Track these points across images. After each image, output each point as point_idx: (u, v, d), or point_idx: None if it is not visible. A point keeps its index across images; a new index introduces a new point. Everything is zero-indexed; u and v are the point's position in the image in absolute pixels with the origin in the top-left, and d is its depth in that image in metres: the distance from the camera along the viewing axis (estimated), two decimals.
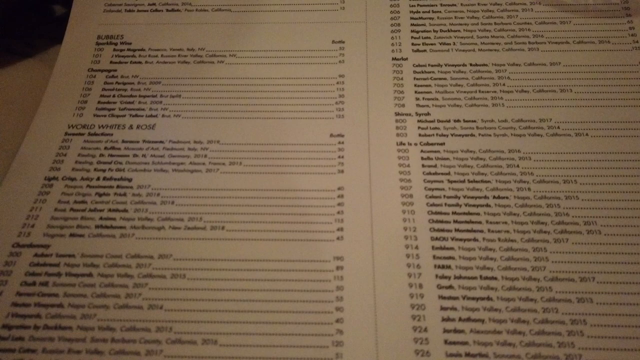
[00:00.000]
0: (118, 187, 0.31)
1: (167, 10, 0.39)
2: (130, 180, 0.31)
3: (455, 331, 0.25)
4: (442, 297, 0.26)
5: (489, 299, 0.26)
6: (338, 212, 0.29)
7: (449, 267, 0.27)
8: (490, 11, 0.38)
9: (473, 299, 0.26)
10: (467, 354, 0.24)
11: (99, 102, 0.35)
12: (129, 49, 0.37)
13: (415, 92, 0.35)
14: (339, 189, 0.30)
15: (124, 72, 0.36)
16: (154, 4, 0.39)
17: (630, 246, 0.27)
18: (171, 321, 0.25)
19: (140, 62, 0.37)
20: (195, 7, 0.39)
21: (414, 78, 0.35)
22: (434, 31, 0.37)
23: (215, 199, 0.30)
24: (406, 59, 0.36)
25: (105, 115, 0.34)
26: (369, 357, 0.24)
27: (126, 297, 0.26)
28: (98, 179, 0.31)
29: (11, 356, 0.24)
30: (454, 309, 0.26)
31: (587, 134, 0.32)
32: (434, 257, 0.27)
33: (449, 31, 0.37)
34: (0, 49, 0.39)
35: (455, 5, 0.38)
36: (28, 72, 0.38)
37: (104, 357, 0.24)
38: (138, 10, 0.39)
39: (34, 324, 0.25)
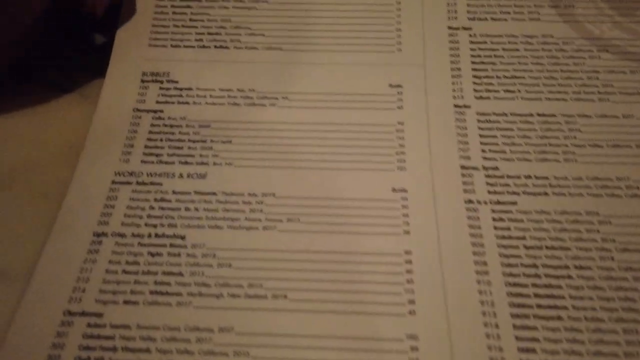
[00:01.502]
0: (171, 245, 0.29)
1: (215, 47, 0.37)
2: (183, 238, 0.29)
3: None
4: None
5: None
6: (407, 281, 0.28)
7: (533, 350, 0.25)
8: (555, 57, 0.36)
9: None
10: None
11: (145, 147, 0.33)
12: (175, 88, 0.35)
13: (481, 142, 0.33)
14: (406, 252, 0.28)
15: (171, 114, 0.34)
16: (201, 40, 0.37)
17: None
18: None
19: (187, 103, 0.35)
20: (244, 44, 0.37)
21: (479, 128, 0.33)
22: (497, 77, 0.35)
23: (275, 262, 0.28)
24: (469, 106, 0.34)
25: (153, 162, 0.32)
26: None
27: None
28: (150, 235, 0.29)
29: None
30: None
31: None
32: (517, 338, 0.26)
33: (512, 77, 0.35)
34: (39, 82, 0.37)
35: (518, 50, 0.36)
36: (69, 109, 0.36)
37: None
38: (184, 46, 0.37)
39: None
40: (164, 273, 0.28)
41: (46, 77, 0.38)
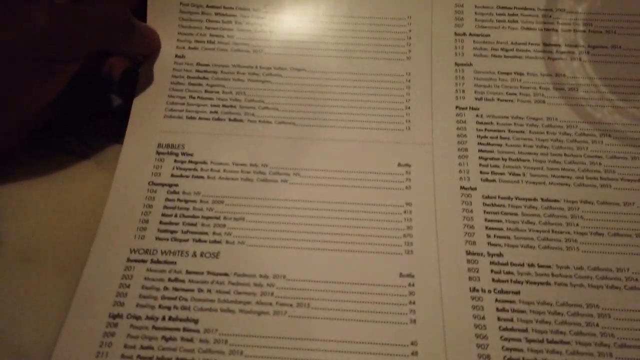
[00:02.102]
0: (184, 329, 0.30)
1: (230, 119, 0.38)
2: (196, 322, 0.30)
3: None
4: None
5: None
6: None
7: None
8: (559, 141, 0.37)
9: None
10: None
11: (160, 222, 0.34)
12: (190, 161, 0.37)
13: (486, 227, 0.34)
14: (412, 343, 0.30)
15: (186, 188, 0.35)
16: (215, 112, 0.38)
17: None
18: None
19: (202, 177, 0.36)
20: (258, 118, 0.38)
21: (484, 212, 0.34)
22: (503, 159, 0.36)
23: (286, 351, 0.29)
24: (475, 188, 0.35)
25: (167, 239, 0.33)
26: None
27: None
28: (164, 318, 0.30)
29: None
30: None
31: None
32: None
33: (518, 160, 0.36)
34: (56, 149, 0.38)
35: (523, 132, 0.37)
36: (86, 177, 0.37)
37: None
38: (200, 118, 0.38)
39: None
40: (178, 359, 0.29)
41: (63, 143, 0.39)
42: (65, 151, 0.39)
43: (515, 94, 0.39)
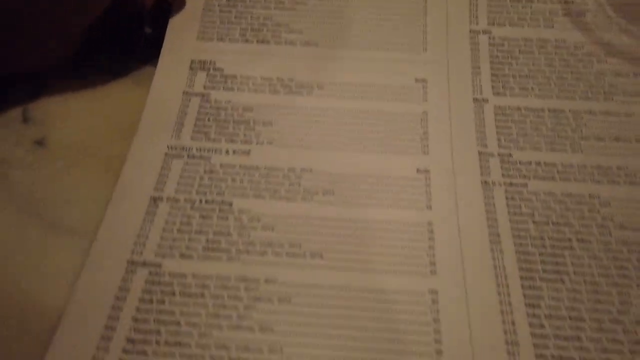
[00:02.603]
0: (220, 210, 0.33)
1: (258, 41, 0.41)
2: (230, 204, 0.33)
3: None
4: (534, 335, 0.28)
5: (578, 339, 0.28)
6: (429, 247, 0.31)
7: (538, 306, 0.29)
8: (566, 60, 0.40)
9: (563, 338, 0.28)
10: None
11: (195, 125, 0.37)
12: (221, 75, 0.40)
13: (497, 133, 0.37)
14: (428, 223, 0.32)
15: (218, 98, 0.38)
16: (244, 35, 0.41)
17: None
18: (282, 344, 0.27)
19: (232, 89, 0.39)
20: (284, 39, 0.41)
21: (495, 120, 0.37)
22: (513, 76, 0.39)
23: (312, 227, 0.32)
24: (487, 100, 0.38)
25: (201, 139, 0.36)
26: None
27: (238, 318, 0.28)
28: (200, 201, 0.33)
29: None
30: (545, 347, 0.27)
31: None
32: (524, 295, 0.29)
33: (527, 77, 0.39)
34: (96, 71, 0.41)
35: (532, 53, 0.40)
36: (124, 93, 0.40)
37: None
38: (230, 40, 0.41)
39: (155, 339, 0.27)
40: (215, 233, 0.32)
41: (102, 65, 0.42)
42: (105, 71, 0.42)
43: (525, 19, 0.41)
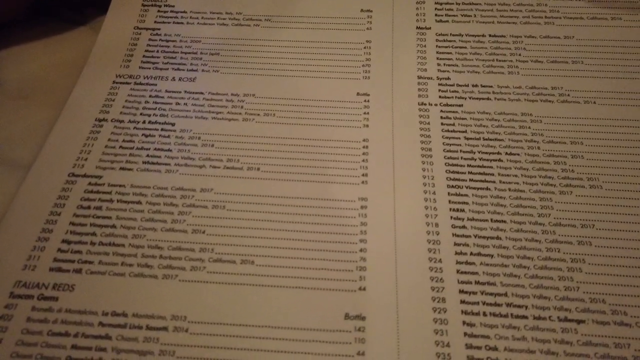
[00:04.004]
0: (162, 129, 0.34)
1: None
2: (173, 124, 0.34)
3: (467, 263, 0.28)
4: (455, 235, 0.29)
5: (498, 238, 0.29)
6: (363, 160, 0.32)
7: (462, 210, 0.30)
8: None
9: (484, 237, 0.29)
10: (477, 282, 0.27)
11: (144, 57, 0.38)
12: (172, 11, 0.40)
13: (437, 58, 0.38)
14: (364, 140, 0.33)
15: (167, 31, 0.39)
16: None
17: (628, 200, 0.30)
18: (213, 244, 0.28)
19: (182, 23, 0.40)
20: None
21: (436, 46, 0.38)
22: (457, 3, 0.40)
23: (251, 144, 0.33)
24: (429, 28, 0.39)
25: (149, 68, 0.37)
26: (388, 274, 0.27)
27: (172, 222, 0.29)
28: (144, 122, 0.34)
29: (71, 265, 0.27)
30: (466, 245, 0.29)
31: (594, 102, 0.35)
32: (450, 201, 0.30)
33: (470, 4, 0.40)
34: (53, 18, 0.42)
35: None
36: (80, 38, 0.41)
37: (153, 270, 0.27)
38: None
39: (90, 240, 0.28)
40: (156, 149, 0.33)
41: (61, 14, 0.42)
42: (64, 20, 0.42)
43: None
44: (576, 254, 0.28)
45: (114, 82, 0.36)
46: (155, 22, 0.40)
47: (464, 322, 0.26)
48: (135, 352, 0.25)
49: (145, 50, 0.38)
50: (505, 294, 0.27)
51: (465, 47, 0.38)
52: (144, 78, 0.37)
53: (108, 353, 0.25)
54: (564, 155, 0.32)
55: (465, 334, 0.25)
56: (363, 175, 0.32)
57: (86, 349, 0.25)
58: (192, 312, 0.26)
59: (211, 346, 0.25)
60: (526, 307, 0.26)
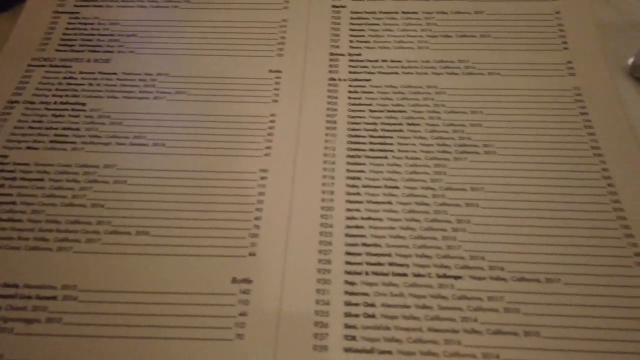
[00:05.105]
0: (73, 110, 0.34)
1: None
2: (84, 104, 0.35)
3: (357, 227, 0.29)
4: (348, 201, 0.30)
5: (389, 203, 0.30)
6: (268, 134, 0.33)
7: (358, 178, 0.31)
8: None
9: (375, 202, 0.30)
10: (364, 244, 0.28)
11: (61, 40, 0.38)
12: None
13: (350, 35, 0.38)
14: (271, 115, 0.34)
15: (87, 14, 0.40)
16: None
17: (518, 164, 0.31)
18: (110, 217, 0.29)
19: (101, 6, 0.40)
20: None
21: (350, 23, 0.39)
22: None
23: (159, 122, 0.34)
24: (345, 6, 0.40)
25: (65, 51, 0.38)
26: (279, 240, 0.28)
27: (72, 197, 0.30)
28: (55, 103, 0.35)
29: None
30: (357, 210, 0.30)
31: (499, 73, 0.36)
32: (347, 170, 0.31)
33: None
34: None
35: None
36: (4, 24, 0.41)
37: (48, 243, 0.28)
38: None
39: None
40: (64, 128, 0.33)
41: None
42: None
43: None
44: (463, 215, 0.29)
45: (29, 65, 0.37)
46: (74, 5, 0.40)
47: (345, 281, 0.27)
48: (22, 320, 0.25)
49: (63, 34, 0.39)
50: (389, 254, 0.28)
51: (378, 24, 0.39)
52: (60, 60, 0.37)
53: None
54: (462, 124, 0.33)
55: (345, 292, 0.26)
56: (267, 148, 0.32)
57: None
58: (83, 281, 0.27)
59: (99, 312, 0.26)
60: (407, 266, 0.27)
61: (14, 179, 0.31)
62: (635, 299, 0.26)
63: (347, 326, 0.25)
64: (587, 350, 0.24)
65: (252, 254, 0.28)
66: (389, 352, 0.24)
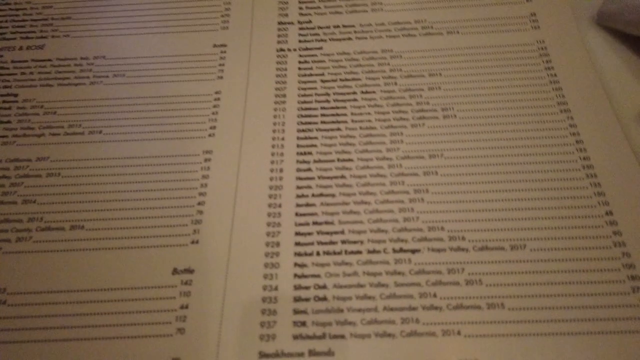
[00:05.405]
0: (4, 102, 0.32)
1: None
2: (16, 95, 0.32)
3: (307, 205, 0.27)
4: (299, 178, 0.28)
5: (342, 177, 0.28)
6: (213, 113, 0.31)
7: (310, 153, 0.29)
8: None
9: (327, 177, 0.28)
10: (315, 223, 0.26)
11: None
12: None
13: (299, 1, 0.36)
14: (216, 92, 0.32)
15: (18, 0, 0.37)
16: None
17: (478, 126, 0.29)
18: (43, 212, 0.27)
19: None
20: None
21: None
22: None
23: (96, 108, 0.31)
24: None
25: None
26: (223, 225, 0.26)
27: (2, 194, 0.28)
28: None
29: None
30: (308, 187, 0.27)
31: (458, 32, 0.34)
32: (298, 145, 0.29)
33: None
34: None
35: None
36: None
37: None
38: None
39: None
40: None
41: None
42: None
43: None
44: (420, 184, 0.27)
45: None
46: None
47: (295, 264, 0.25)
48: None
49: None
50: (342, 232, 0.26)
51: None
52: None
53: None
54: (420, 89, 0.31)
55: (295, 275, 0.24)
56: (211, 128, 0.30)
57: None
58: (12, 283, 0.25)
59: (30, 315, 0.24)
60: (362, 242, 0.25)
61: None
62: (606, 261, 0.24)
63: (296, 312, 0.23)
64: (554, 320, 0.23)
65: (194, 242, 0.26)
66: (342, 337, 0.22)
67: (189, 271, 0.25)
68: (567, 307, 0.23)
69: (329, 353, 0.22)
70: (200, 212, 0.27)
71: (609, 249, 0.24)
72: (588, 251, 0.25)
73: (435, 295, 0.23)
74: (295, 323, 0.23)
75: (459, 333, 0.22)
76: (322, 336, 0.23)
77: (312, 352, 0.22)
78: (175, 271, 0.25)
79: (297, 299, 0.24)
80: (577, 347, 0.22)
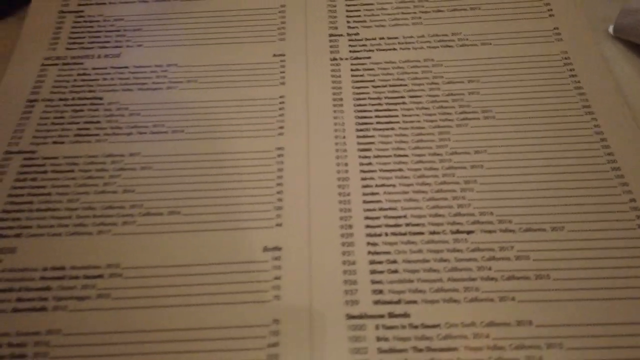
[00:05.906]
0: (91, 104, 0.36)
1: None
2: (101, 99, 0.36)
3: (372, 194, 0.31)
4: (362, 171, 0.32)
5: (400, 170, 0.32)
6: (280, 115, 0.35)
7: (369, 149, 0.33)
8: None
9: (387, 170, 0.32)
10: (381, 209, 0.30)
11: (69, 38, 0.40)
12: None
13: (347, 16, 0.40)
14: (280, 97, 0.36)
15: (91, 13, 0.41)
16: None
17: (516, 126, 0.34)
18: (142, 200, 0.31)
19: (104, 4, 0.42)
20: None
21: (346, 4, 0.41)
22: None
23: (175, 110, 0.36)
24: None
25: (75, 49, 0.39)
26: (302, 210, 0.30)
27: (104, 185, 0.32)
28: (73, 98, 0.36)
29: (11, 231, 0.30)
30: (371, 179, 0.32)
31: (490, 43, 0.38)
32: (358, 143, 0.34)
33: None
34: None
35: None
36: (8, 30, 0.42)
37: (87, 228, 0.30)
38: None
39: (28, 208, 0.31)
40: (85, 122, 0.35)
41: None
42: None
43: None
44: (469, 176, 0.32)
45: (42, 65, 0.38)
46: (78, 4, 0.42)
47: (368, 243, 0.29)
48: (74, 298, 0.27)
49: (71, 32, 0.40)
50: (405, 216, 0.30)
51: (372, 4, 0.41)
52: (71, 58, 0.39)
53: (49, 301, 0.27)
54: (461, 93, 0.36)
55: (369, 252, 0.29)
56: (280, 127, 0.35)
57: (29, 300, 0.27)
58: (125, 259, 0.29)
59: (143, 286, 0.28)
60: (423, 225, 0.30)
61: (45, 172, 0.32)
62: (632, 240, 0.29)
63: (373, 282, 0.28)
64: (593, 288, 0.27)
65: (278, 225, 0.30)
66: (415, 302, 0.27)
67: (277, 249, 0.29)
68: (603, 277, 0.27)
69: (405, 315, 0.26)
70: (280, 199, 0.31)
71: (634, 229, 0.29)
72: (615, 232, 0.29)
73: (490, 269, 0.28)
74: (374, 291, 0.27)
75: (513, 299, 0.27)
76: (398, 302, 0.27)
77: (391, 314, 0.27)
78: (265, 249, 0.29)
79: (372, 272, 0.28)
80: (608, 309, 0.26)
